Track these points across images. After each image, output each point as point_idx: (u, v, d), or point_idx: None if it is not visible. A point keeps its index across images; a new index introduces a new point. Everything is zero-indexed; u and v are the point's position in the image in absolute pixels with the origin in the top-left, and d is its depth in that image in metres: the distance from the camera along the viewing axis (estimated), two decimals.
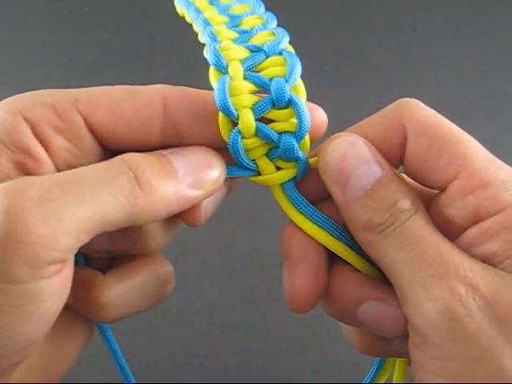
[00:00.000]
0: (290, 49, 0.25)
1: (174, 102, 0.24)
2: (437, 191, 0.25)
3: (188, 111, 0.24)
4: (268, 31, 0.25)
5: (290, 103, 0.24)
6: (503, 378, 0.20)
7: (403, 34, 0.60)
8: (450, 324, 0.20)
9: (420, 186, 0.26)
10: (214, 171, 0.23)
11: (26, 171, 0.22)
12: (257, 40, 0.25)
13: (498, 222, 0.22)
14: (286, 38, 0.25)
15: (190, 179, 0.23)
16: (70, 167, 0.23)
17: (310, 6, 0.62)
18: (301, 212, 0.26)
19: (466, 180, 0.23)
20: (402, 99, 0.26)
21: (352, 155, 0.24)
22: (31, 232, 0.18)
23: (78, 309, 0.25)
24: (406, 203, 0.23)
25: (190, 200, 0.23)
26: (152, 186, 0.21)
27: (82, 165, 0.23)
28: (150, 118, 0.23)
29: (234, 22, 0.26)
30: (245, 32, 0.25)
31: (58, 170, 0.23)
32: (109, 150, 0.24)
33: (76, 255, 0.22)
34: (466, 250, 0.22)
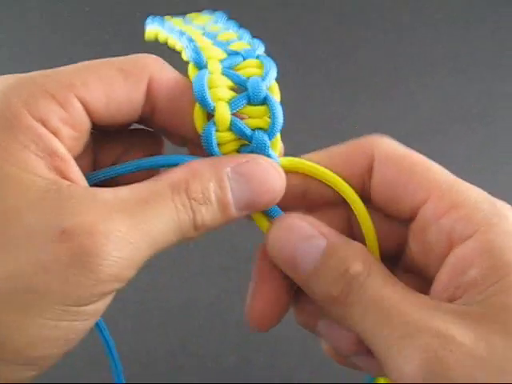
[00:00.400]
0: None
1: (156, 80, 0.24)
2: (405, 223, 0.25)
3: (167, 91, 0.24)
4: (244, 42, 0.26)
5: (265, 101, 0.24)
6: None
7: (403, 35, 0.60)
8: (433, 381, 0.20)
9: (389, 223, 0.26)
10: (271, 197, 0.24)
11: (60, 173, 0.22)
12: (234, 47, 0.26)
13: (472, 248, 0.22)
14: (262, 47, 0.26)
15: (244, 204, 0.23)
16: (72, 151, 0.23)
17: (309, 6, 0.62)
18: (266, 214, 0.26)
19: (437, 202, 0.23)
20: (370, 135, 0.26)
21: (292, 237, 0.24)
22: (108, 269, 0.20)
23: None
24: (357, 267, 0.22)
25: (235, 220, 0.24)
26: (204, 223, 0.22)
27: (80, 146, 0.24)
28: (138, 97, 0.24)
29: (215, 39, 0.26)
30: (222, 43, 0.26)
31: (73, 168, 0.23)
32: (95, 124, 0.25)
33: None
34: (453, 279, 0.22)
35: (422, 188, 0.24)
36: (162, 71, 0.24)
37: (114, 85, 0.23)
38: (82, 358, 0.43)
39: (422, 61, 0.59)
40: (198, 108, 0.24)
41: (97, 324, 0.28)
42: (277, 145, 0.25)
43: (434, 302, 0.22)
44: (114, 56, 0.25)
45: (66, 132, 0.23)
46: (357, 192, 0.26)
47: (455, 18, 0.61)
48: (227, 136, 0.24)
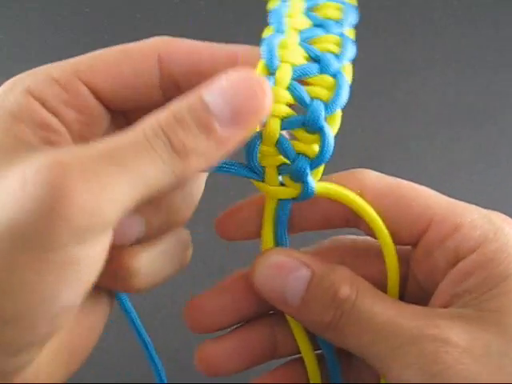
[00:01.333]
0: (349, 70, 0.24)
1: (167, 55, 0.24)
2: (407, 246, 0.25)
3: (182, 63, 0.24)
4: (335, 36, 0.24)
5: (319, 130, 0.23)
6: None
7: (404, 34, 0.60)
8: (433, 381, 0.20)
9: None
10: (255, 105, 0.21)
11: (50, 143, 0.22)
12: (319, 43, 0.24)
13: (474, 260, 0.23)
14: (351, 51, 0.24)
15: (228, 119, 0.21)
16: (82, 137, 0.23)
17: None
18: (274, 232, 0.26)
19: (439, 228, 0.24)
20: (354, 169, 0.26)
21: (277, 273, 0.24)
22: (77, 204, 0.18)
23: (107, 281, 0.24)
24: (344, 290, 0.23)
25: (232, 142, 0.21)
26: (187, 148, 0.20)
27: (94, 133, 0.24)
28: (148, 75, 0.24)
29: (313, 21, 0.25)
30: (312, 32, 0.25)
31: (74, 142, 0.23)
32: (116, 111, 0.24)
33: None
34: (451, 288, 0.23)
35: (422, 216, 0.24)
36: (172, 42, 0.24)
37: (118, 64, 0.23)
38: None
39: (423, 60, 0.59)
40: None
41: (133, 322, 0.28)
42: (318, 174, 0.24)
43: (426, 309, 0.23)
44: None
45: (71, 115, 0.23)
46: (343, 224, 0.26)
47: (456, 18, 0.61)
48: (270, 151, 0.24)
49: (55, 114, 0.22)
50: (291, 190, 0.25)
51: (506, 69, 0.59)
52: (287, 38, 0.24)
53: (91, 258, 0.20)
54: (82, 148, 0.20)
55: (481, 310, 0.21)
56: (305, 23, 0.25)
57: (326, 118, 0.23)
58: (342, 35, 0.24)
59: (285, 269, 0.24)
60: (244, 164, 0.24)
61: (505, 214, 0.25)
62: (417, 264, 0.25)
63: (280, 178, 0.25)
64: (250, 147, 0.24)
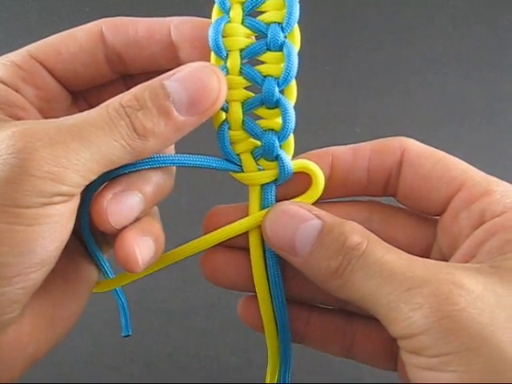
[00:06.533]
0: (295, 35, 0.25)
1: (109, 31, 0.26)
2: (432, 221, 0.26)
3: (122, 36, 0.26)
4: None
5: (277, 104, 0.25)
6: (503, 361, 0.19)
7: (403, 34, 0.60)
8: (441, 323, 0.20)
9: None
10: (211, 92, 0.23)
11: (19, 120, 0.24)
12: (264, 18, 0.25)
13: (499, 223, 0.23)
14: (295, 15, 0.25)
15: (186, 105, 0.23)
16: (43, 113, 0.25)
17: (309, 6, 0.62)
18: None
19: (470, 190, 0.24)
20: (397, 137, 0.27)
21: (289, 221, 0.25)
22: (42, 168, 0.21)
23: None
24: (353, 239, 0.23)
25: (188, 127, 0.23)
26: (146, 129, 0.22)
27: (54, 109, 0.26)
28: (93, 50, 0.26)
29: None
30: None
31: (36, 117, 0.25)
32: (76, 93, 0.27)
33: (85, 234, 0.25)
34: (474, 249, 0.23)
35: (456, 179, 0.25)
36: (112, 20, 0.26)
37: (65, 42, 0.25)
38: (78, 358, 0.43)
39: (422, 60, 0.59)
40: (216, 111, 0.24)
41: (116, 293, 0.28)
42: (289, 147, 0.26)
43: (441, 262, 0.22)
44: None
45: (31, 91, 0.25)
46: (382, 186, 0.27)
47: (456, 18, 0.61)
48: (239, 134, 0.25)
49: (16, 90, 0.24)
50: (270, 172, 0.26)
51: (506, 69, 0.59)
52: (232, 16, 0.25)
53: (58, 217, 0.22)
54: (50, 121, 0.22)
55: (496, 267, 0.21)
56: None
57: (282, 91, 0.25)
58: None
59: (296, 217, 0.24)
60: (223, 158, 0.26)
61: None
62: (443, 230, 0.25)
63: (260, 169, 0.26)
64: (221, 134, 0.25)
